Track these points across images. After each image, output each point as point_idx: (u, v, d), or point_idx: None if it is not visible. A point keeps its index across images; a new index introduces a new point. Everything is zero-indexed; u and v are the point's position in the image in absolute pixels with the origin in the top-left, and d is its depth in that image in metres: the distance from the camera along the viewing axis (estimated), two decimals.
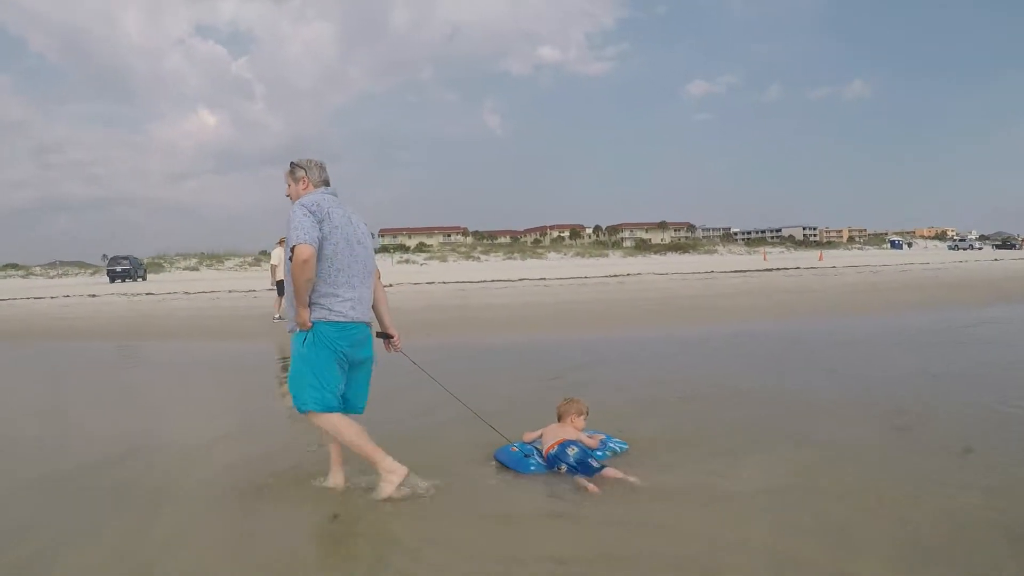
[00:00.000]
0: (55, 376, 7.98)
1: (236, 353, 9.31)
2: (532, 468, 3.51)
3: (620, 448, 3.76)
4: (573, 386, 5.43)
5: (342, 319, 3.13)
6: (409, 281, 22.66)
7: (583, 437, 3.64)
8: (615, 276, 23.50)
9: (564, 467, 3.42)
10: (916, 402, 4.84)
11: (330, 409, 3.16)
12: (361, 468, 3.30)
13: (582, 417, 3.75)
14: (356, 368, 3.31)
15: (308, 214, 3.06)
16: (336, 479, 3.35)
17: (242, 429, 4.81)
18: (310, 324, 3.11)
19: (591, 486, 3.21)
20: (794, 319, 11.45)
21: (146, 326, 13.14)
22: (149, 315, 15.22)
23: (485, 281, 22.27)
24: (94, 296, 21.56)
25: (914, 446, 3.87)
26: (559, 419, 3.77)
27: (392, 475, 3.15)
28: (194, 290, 21.96)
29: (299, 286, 3.06)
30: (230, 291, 20.81)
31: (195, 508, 3.21)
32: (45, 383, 7.51)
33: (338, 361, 3.18)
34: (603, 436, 3.79)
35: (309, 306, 3.11)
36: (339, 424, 3.20)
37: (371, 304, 3.37)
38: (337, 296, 3.12)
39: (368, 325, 3.32)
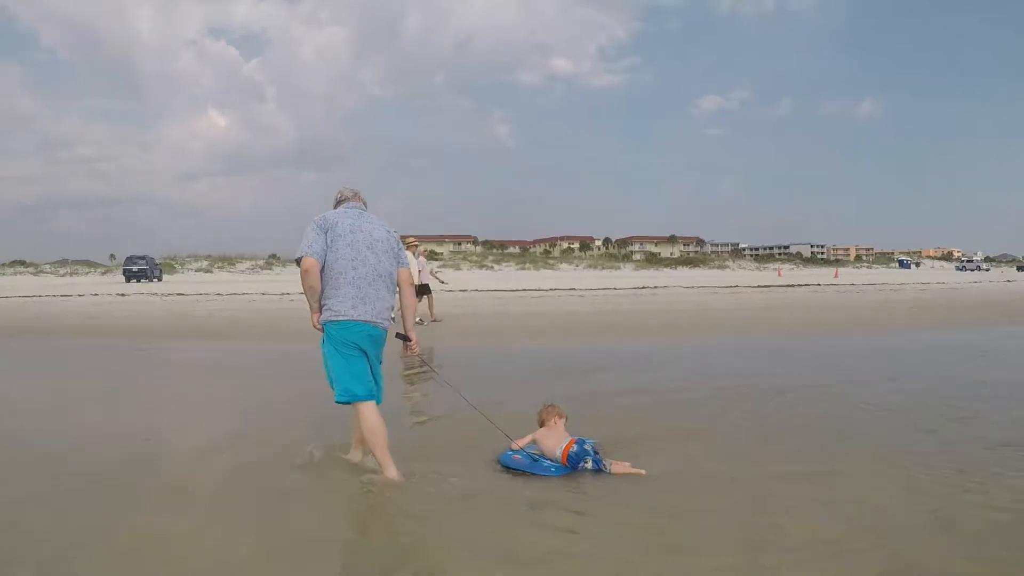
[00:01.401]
0: (142, 372, 8.10)
1: (300, 353, 9.36)
2: (553, 471, 3.56)
3: (591, 443, 3.79)
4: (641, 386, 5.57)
5: (340, 317, 3.35)
6: (443, 289, 22.73)
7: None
8: (644, 288, 23.64)
9: (589, 461, 3.54)
10: (965, 406, 5.25)
11: (354, 398, 3.41)
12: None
13: (563, 419, 3.84)
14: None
15: (316, 227, 3.39)
16: (355, 456, 3.67)
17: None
18: (319, 326, 3.42)
19: (643, 471, 3.51)
20: (840, 333, 11.54)
21: (193, 327, 13.13)
22: (190, 316, 15.20)
23: (517, 291, 22.37)
24: (123, 296, 21.69)
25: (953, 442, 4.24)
26: (541, 424, 3.84)
27: (388, 474, 3.44)
28: (226, 292, 22.10)
29: (305, 292, 3.41)
30: (263, 293, 20.95)
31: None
32: (131, 379, 7.62)
33: (352, 352, 3.40)
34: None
35: (321, 309, 3.42)
36: (361, 412, 3.44)
37: (390, 307, 3.54)
38: (338, 297, 3.37)
39: (376, 326, 3.46)
